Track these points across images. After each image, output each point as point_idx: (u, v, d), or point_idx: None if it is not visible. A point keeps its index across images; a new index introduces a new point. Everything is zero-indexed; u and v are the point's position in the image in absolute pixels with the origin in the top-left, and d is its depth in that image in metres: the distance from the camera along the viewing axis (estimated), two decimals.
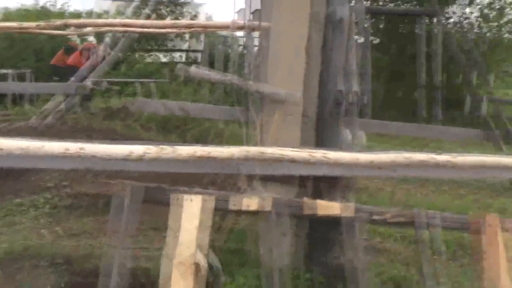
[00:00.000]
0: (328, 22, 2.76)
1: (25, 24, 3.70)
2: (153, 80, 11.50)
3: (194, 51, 18.07)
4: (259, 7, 3.30)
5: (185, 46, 18.93)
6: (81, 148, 2.14)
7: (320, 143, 2.81)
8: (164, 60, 16.83)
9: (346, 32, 2.79)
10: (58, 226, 4.18)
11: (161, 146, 2.23)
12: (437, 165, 2.53)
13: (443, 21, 7.56)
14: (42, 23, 3.60)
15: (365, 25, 10.56)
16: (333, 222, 2.65)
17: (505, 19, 13.73)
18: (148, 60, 15.73)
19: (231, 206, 2.43)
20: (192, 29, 4.04)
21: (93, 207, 4.49)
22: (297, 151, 2.41)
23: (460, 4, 14.20)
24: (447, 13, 14.28)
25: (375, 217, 2.57)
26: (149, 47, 16.42)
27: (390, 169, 2.46)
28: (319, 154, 2.43)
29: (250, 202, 2.41)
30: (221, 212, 2.84)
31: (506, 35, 13.81)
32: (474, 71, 12.71)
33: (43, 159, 2.17)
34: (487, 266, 2.52)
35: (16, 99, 10.09)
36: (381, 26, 15.42)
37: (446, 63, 12.57)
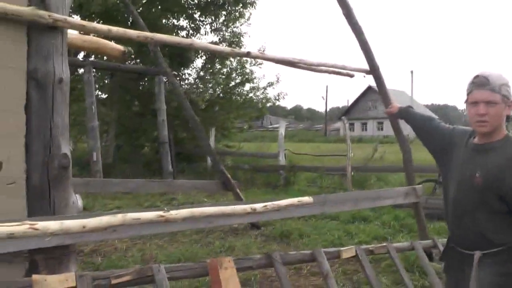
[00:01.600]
0: (47, 80, 2.54)
1: None
2: None
3: None
4: None
5: None
6: None
7: (48, 211, 2.51)
8: None
9: (67, 91, 2.63)
10: None
11: None
12: (152, 221, 2.56)
13: (177, 81, 8.11)
14: None
15: (91, 81, 10.38)
16: None
17: (232, 83, 15.63)
18: None
19: None
20: None
21: None
22: (15, 224, 2.08)
23: (190, 67, 15.56)
24: (182, 73, 15.47)
25: (113, 281, 2.43)
26: None
27: (109, 230, 2.37)
28: (42, 225, 2.17)
29: None
30: None
31: (234, 96, 15.67)
32: (213, 127, 13.92)
33: None
34: None
35: None
36: (106, 81, 15.55)
37: (182, 121, 13.46)
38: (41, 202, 2.43)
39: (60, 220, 2.22)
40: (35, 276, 2.19)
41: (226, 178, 6.74)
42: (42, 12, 2.47)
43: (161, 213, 2.49)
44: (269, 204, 3.07)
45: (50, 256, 2.35)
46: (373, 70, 4.92)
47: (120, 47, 2.97)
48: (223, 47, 4.52)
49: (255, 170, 11.97)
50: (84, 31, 2.75)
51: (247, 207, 2.92)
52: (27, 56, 2.48)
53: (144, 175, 11.70)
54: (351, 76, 4.86)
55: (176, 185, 6.89)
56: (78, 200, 2.64)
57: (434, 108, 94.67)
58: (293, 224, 6.78)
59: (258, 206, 2.97)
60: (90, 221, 2.26)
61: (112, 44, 2.96)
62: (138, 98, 15.11)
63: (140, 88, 15.00)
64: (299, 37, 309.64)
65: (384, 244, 4.19)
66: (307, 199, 3.43)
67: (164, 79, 11.57)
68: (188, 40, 3.47)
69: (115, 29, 2.78)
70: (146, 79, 14.41)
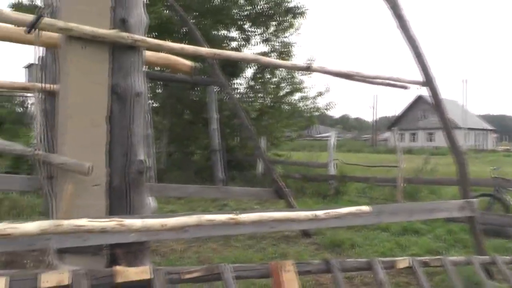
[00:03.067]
0: (126, 94, 2.82)
1: None
2: None
3: None
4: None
5: None
6: None
7: (126, 211, 2.80)
8: None
9: (143, 104, 2.91)
10: None
11: None
12: (224, 223, 2.76)
13: (229, 91, 8.42)
14: None
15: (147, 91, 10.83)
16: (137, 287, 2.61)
17: (282, 92, 15.79)
18: None
19: (42, 284, 2.20)
20: None
21: None
22: (106, 221, 2.35)
23: (241, 76, 15.85)
24: (233, 83, 15.80)
25: (185, 276, 2.63)
26: None
27: (182, 230, 2.60)
28: (128, 222, 2.43)
29: (48, 278, 2.21)
30: None
31: (284, 106, 15.84)
32: (263, 136, 14.18)
33: None
34: None
35: None
36: (158, 91, 16.08)
37: (232, 130, 13.74)
38: (120, 203, 2.71)
39: (142, 219, 2.46)
40: (117, 267, 2.43)
41: (279, 186, 6.87)
42: (123, 34, 2.74)
43: (232, 215, 2.69)
44: (331, 211, 3.20)
45: (128, 251, 2.61)
46: (428, 82, 4.94)
47: (189, 62, 3.20)
48: (284, 62, 4.71)
49: (305, 179, 12.02)
50: (160, 49, 2.99)
51: (309, 213, 3.06)
52: (110, 73, 2.75)
53: (195, 181, 12.03)
54: (406, 88, 4.90)
55: (231, 191, 7.11)
56: (151, 202, 2.89)
57: (490, 118, 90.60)
58: (344, 234, 6.81)
59: (320, 212, 3.10)
60: (169, 221, 2.48)
61: (183, 60, 3.19)
62: (190, 107, 15.53)
63: (192, 97, 15.42)
64: (348, 46, 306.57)
65: (440, 256, 4.18)
66: (365, 208, 3.52)
67: (215, 88, 11.88)
68: (253, 56, 3.67)
69: (187, 47, 3.01)
70: (197, 89, 14.80)
